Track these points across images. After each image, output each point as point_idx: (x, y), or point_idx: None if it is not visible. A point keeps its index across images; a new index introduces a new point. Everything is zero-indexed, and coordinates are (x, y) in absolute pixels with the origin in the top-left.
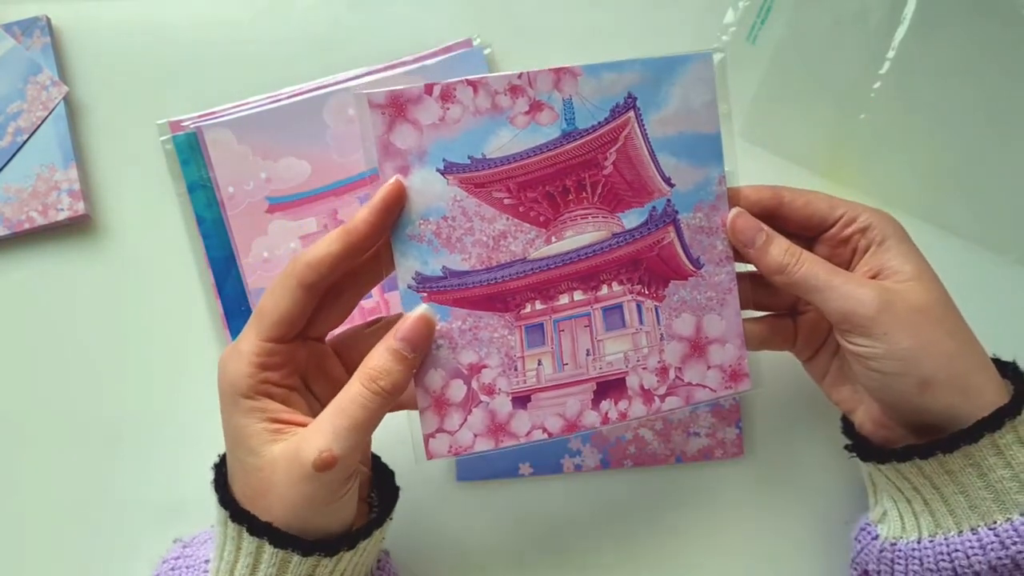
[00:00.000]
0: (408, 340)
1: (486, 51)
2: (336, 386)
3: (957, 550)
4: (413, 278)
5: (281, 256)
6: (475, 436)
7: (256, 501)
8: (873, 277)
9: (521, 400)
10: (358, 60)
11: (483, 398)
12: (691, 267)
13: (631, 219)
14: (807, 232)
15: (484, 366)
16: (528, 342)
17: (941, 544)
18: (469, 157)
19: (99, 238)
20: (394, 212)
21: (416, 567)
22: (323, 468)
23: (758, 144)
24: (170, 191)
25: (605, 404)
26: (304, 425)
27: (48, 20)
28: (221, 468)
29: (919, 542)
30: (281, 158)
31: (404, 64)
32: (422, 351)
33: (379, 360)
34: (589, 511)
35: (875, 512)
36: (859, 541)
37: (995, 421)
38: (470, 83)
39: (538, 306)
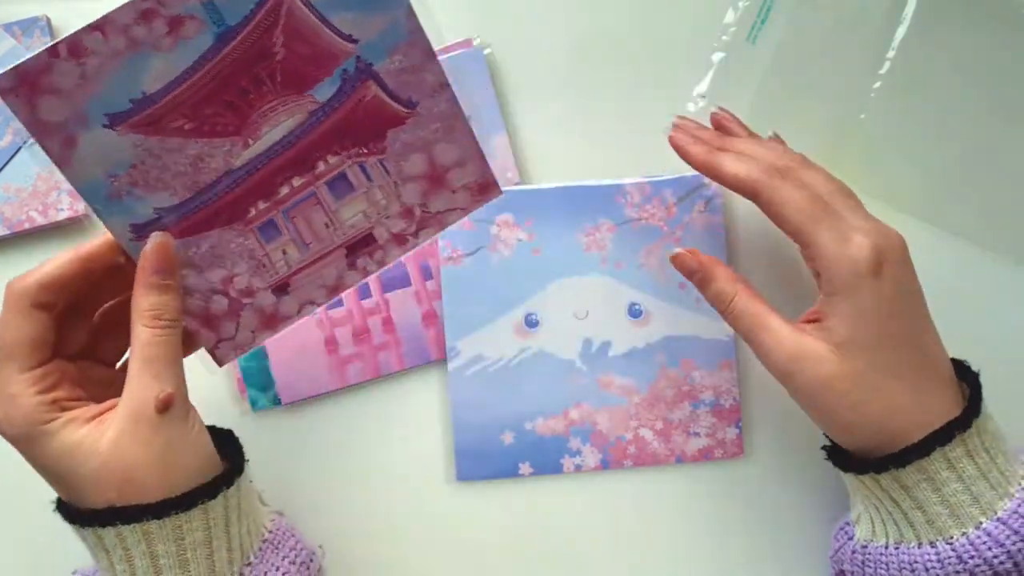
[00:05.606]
0: (161, 270)
1: (486, 51)
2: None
3: (917, 561)
4: (130, 231)
5: None
6: (253, 332)
7: (124, 493)
8: (813, 320)
9: (280, 288)
10: None
11: (245, 301)
12: (404, 110)
13: (325, 90)
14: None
15: (235, 275)
16: (265, 239)
17: (904, 553)
18: (130, 101)
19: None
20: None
21: (415, 567)
22: (166, 407)
23: None
24: None
25: (361, 261)
26: (112, 408)
27: (48, 20)
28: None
29: (887, 548)
30: None
31: None
32: (177, 271)
33: (148, 299)
34: (589, 511)
35: (853, 512)
36: (837, 539)
37: (945, 435)
38: (95, 28)
39: (261, 206)
